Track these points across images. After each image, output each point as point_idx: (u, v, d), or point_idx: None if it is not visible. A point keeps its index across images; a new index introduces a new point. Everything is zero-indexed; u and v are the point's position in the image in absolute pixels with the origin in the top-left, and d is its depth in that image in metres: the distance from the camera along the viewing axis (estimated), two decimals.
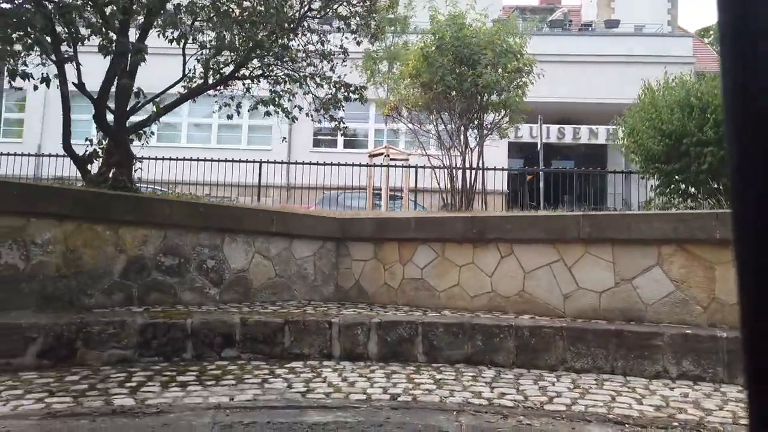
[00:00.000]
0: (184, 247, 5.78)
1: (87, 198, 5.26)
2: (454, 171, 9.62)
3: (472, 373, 4.38)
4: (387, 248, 6.54)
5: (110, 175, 6.45)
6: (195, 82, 7.98)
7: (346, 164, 13.65)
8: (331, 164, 13.47)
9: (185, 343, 4.69)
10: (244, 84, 8.13)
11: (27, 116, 23.96)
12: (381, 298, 6.49)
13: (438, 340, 4.77)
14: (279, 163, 14.99)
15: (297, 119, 7.62)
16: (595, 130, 24.61)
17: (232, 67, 7.44)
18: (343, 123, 7.66)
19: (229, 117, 8.68)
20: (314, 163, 13.45)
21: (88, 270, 5.20)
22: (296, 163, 14.33)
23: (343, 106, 7.36)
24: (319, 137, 25.48)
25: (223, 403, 3.44)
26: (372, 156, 17.30)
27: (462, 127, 9.30)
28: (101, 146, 6.73)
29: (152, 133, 7.06)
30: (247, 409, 3.34)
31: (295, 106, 7.75)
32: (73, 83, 5.97)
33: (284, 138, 11.24)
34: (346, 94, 7.31)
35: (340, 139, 25.62)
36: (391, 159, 16.26)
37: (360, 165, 13.18)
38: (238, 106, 8.61)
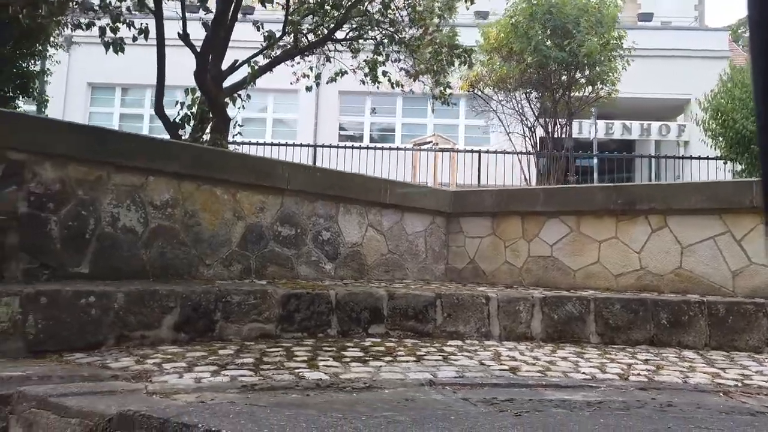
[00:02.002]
0: (300, 217, 5.23)
1: (207, 156, 4.71)
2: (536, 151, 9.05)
3: (671, 355, 3.80)
4: (508, 223, 5.97)
5: (205, 139, 5.93)
6: (281, 48, 7.46)
7: (427, 149, 12.94)
8: (405, 149, 12.83)
9: (330, 317, 4.14)
10: (329, 50, 7.60)
11: None
12: (501, 278, 5.92)
13: (614, 318, 4.20)
14: (362, 147, 14.42)
15: (402, 85, 7.06)
16: (646, 126, 23.90)
17: (325, 31, 6.88)
18: (450, 88, 7.10)
19: (308, 89, 8.15)
20: (399, 148, 12.89)
21: (207, 237, 4.66)
22: (361, 148, 13.79)
23: (448, 72, 6.80)
24: (343, 132, 24.89)
25: (434, 379, 2.88)
26: (417, 145, 16.74)
27: (551, 102, 8.72)
28: (192, 109, 6.20)
29: (248, 96, 6.52)
30: (467, 386, 2.77)
31: (384, 73, 7.18)
32: (178, 33, 5.43)
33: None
34: (449, 57, 6.74)
35: (366, 133, 25.06)
36: (440, 148, 15.71)
37: (438, 149, 12.45)
38: (317, 77, 8.08)
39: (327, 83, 8.32)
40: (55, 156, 4.00)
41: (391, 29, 6.64)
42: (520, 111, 9.28)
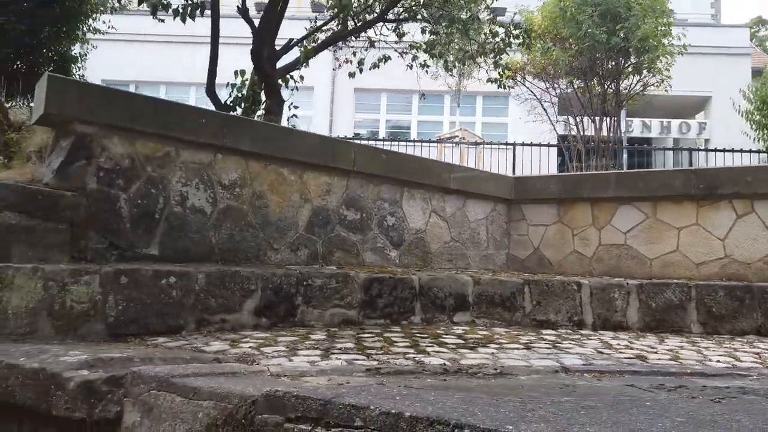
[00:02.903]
0: (365, 201, 4.97)
1: (275, 134, 4.46)
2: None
3: None
4: (576, 210, 5.69)
5: None
6: (324, 32, 7.21)
7: (473, 143, 12.63)
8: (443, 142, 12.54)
9: (413, 303, 3.88)
10: (375, 33, 7.34)
11: None
12: (569, 268, 5.64)
13: (718, 306, 3.91)
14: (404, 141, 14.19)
15: (455, 66, 6.78)
16: (666, 124, 23.50)
17: (376, 12, 6.63)
18: (509, 70, 6.82)
19: (351, 75, 7.90)
20: (440, 141, 12.64)
21: (275, 220, 4.40)
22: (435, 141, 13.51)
23: (507, 52, 6.52)
24: (358, 130, 24.59)
25: (566, 366, 2.61)
26: (443, 139, 16.53)
27: (600, 91, 8.41)
28: (242, 91, 5.95)
29: (301, 77, 6.27)
30: (605, 373, 2.50)
31: (441, 54, 6.89)
32: (237, 7, 5.18)
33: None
34: (507, 39, 6.46)
35: (382, 131, 24.78)
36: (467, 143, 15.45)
37: (477, 143, 12.12)
38: (360, 62, 7.82)
39: (369, 69, 8.06)
40: (124, 130, 3.75)
41: (444, 9, 6.37)
42: (567, 100, 8.98)
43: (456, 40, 6.59)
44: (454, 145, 16.10)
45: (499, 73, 6.70)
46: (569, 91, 8.73)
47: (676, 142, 24.67)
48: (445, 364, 2.53)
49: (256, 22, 5.79)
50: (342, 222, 4.80)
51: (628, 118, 24.08)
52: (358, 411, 1.58)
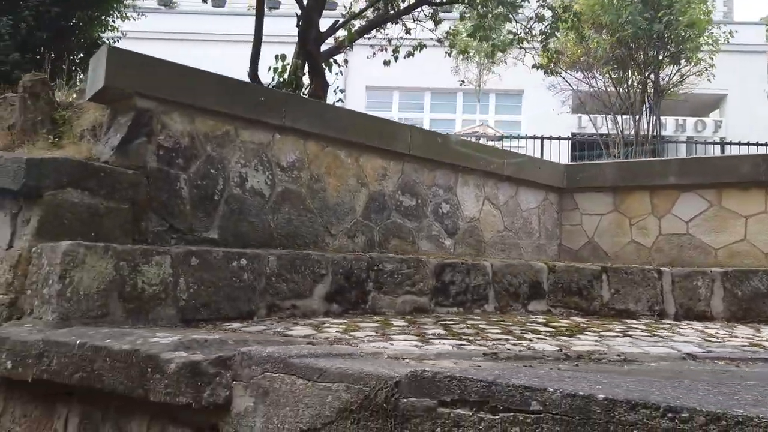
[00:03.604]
0: (420, 186, 4.76)
1: (332, 114, 4.26)
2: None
3: None
4: (633, 199, 5.46)
5: None
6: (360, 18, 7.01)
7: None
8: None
9: (486, 291, 3.68)
10: (413, 18, 7.13)
11: None
12: (626, 258, 5.41)
13: None
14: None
15: (502, 51, 6.56)
16: (681, 122, 23.17)
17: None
18: (559, 54, 6.61)
19: (386, 63, 7.69)
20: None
21: (332, 205, 4.21)
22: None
23: (556, 36, 6.30)
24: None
25: (694, 353, 2.40)
26: (465, 135, 16.33)
27: (640, 81, 8.17)
28: (284, 75, 5.75)
29: (345, 61, 6.06)
30: (738, 360, 2.29)
31: (487, 38, 6.67)
32: None
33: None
34: (556, 22, 6.23)
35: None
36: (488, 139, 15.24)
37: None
38: (395, 50, 7.61)
39: (405, 58, 7.86)
40: (184, 106, 3.57)
41: None
42: (604, 91, 8.74)
43: (503, 23, 6.36)
44: (475, 139, 15.87)
45: (548, 57, 6.49)
46: (601, 82, 8.49)
47: (690, 140, 24.32)
48: (560, 350, 2.32)
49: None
50: (398, 208, 4.60)
51: (636, 116, 23.82)
52: (533, 393, 1.38)
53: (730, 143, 13.70)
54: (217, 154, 3.69)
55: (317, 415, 1.65)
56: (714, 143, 15.50)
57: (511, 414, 1.39)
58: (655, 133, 8.72)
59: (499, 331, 2.85)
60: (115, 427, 2.09)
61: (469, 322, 3.13)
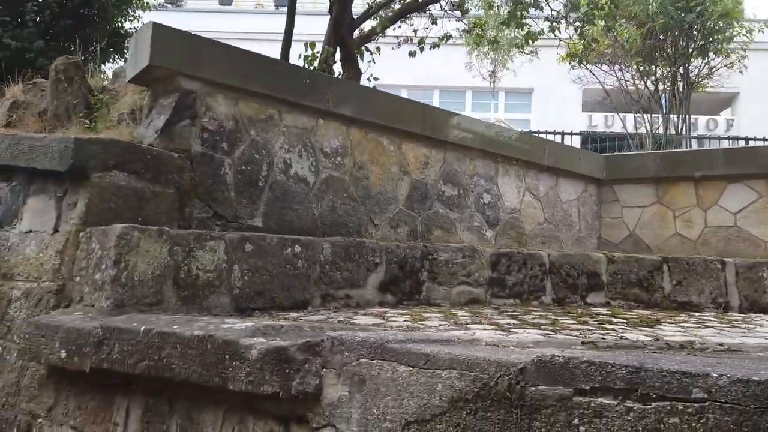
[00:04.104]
0: (461, 176, 4.60)
1: (376, 99, 4.10)
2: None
3: None
4: (677, 190, 5.29)
5: None
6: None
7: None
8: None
9: (543, 282, 3.51)
10: (440, 7, 6.97)
11: None
12: (670, 252, 5.22)
13: None
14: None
15: (536, 38, 6.36)
16: (693, 120, 22.92)
17: None
18: (596, 41, 6.43)
19: (412, 54, 7.53)
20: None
21: (375, 193, 4.05)
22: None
23: (595, 22, 6.12)
24: None
25: None
26: None
27: (669, 74, 7.98)
28: (314, 63, 5.60)
29: (378, 49, 5.91)
30: None
31: (522, 25, 6.47)
32: None
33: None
34: (591, 9, 6.06)
35: None
36: None
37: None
38: (421, 41, 7.45)
39: (430, 49, 7.70)
40: (228, 88, 3.42)
41: None
42: (631, 83, 8.55)
43: (538, 10, 6.18)
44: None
45: (584, 44, 6.32)
46: (628, 74, 8.29)
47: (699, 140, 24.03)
48: (657, 339, 2.16)
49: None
50: (440, 198, 4.44)
51: (654, 114, 23.62)
52: (694, 379, 1.22)
53: (755, 138, 13.48)
54: (261, 138, 3.54)
55: (425, 405, 1.50)
56: (747, 139, 15.29)
57: (668, 403, 1.23)
58: (683, 129, 8.51)
59: (573, 321, 2.69)
60: (185, 419, 1.94)
61: (535, 313, 2.97)
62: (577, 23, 6.09)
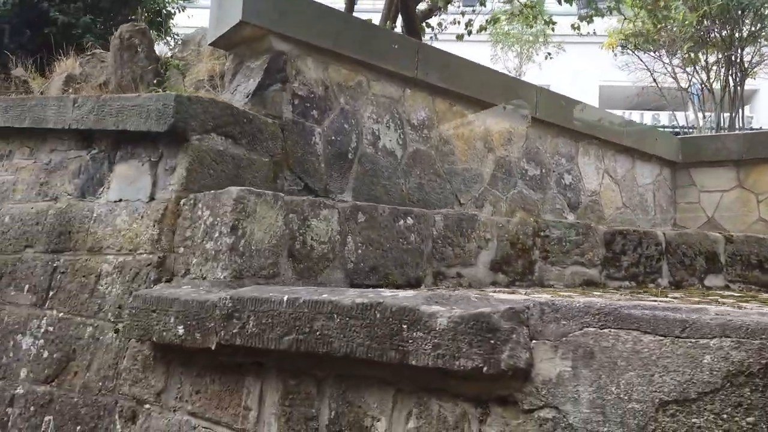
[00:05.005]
0: (543, 154, 4.33)
1: (459, 68, 3.82)
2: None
3: None
4: (761, 172, 4.99)
5: None
6: None
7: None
8: None
9: (660, 263, 3.22)
10: None
11: None
12: None
13: None
14: None
15: (603, 16, 6.07)
16: None
17: None
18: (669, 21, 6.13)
19: (459, 37, 7.25)
20: None
21: (461, 170, 3.79)
22: None
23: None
24: None
25: None
26: None
27: (724, 60, 7.66)
28: None
29: (440, 25, 5.64)
30: None
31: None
32: None
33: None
34: None
35: None
36: None
37: None
38: (468, 24, 7.17)
39: (477, 32, 7.43)
40: (318, 51, 3.16)
41: None
42: (681, 69, 8.24)
43: None
44: None
45: (654, 22, 6.05)
46: (677, 60, 7.98)
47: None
48: None
49: None
50: (523, 177, 4.17)
51: (669, 112, 23.19)
52: None
53: None
54: (350, 107, 3.28)
55: (687, 381, 1.22)
56: None
57: None
58: (738, 120, 8.19)
59: (731, 301, 2.41)
60: (339, 402, 1.67)
61: (671, 296, 2.70)
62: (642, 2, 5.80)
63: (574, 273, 3.06)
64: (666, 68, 8.57)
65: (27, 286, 2.78)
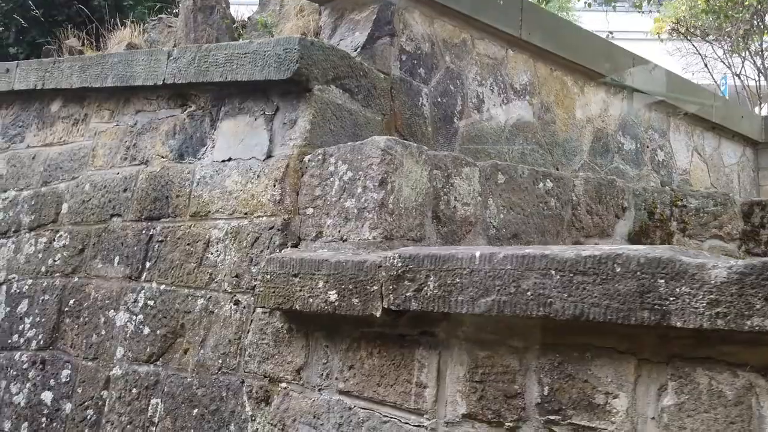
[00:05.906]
0: (637, 128, 4.03)
1: (560, 29, 3.52)
2: None
3: None
4: None
5: None
6: None
7: None
8: None
9: None
10: None
11: None
12: None
13: None
14: None
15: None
16: None
17: None
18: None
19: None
20: None
21: (561, 141, 3.49)
22: None
23: None
24: None
25: None
26: None
27: None
28: None
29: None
30: None
31: None
32: None
33: None
34: None
35: None
36: None
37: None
38: None
39: (599, 4, 7.12)
40: (424, 3, 2.89)
41: None
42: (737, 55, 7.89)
43: None
44: None
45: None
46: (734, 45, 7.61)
47: None
48: None
49: None
50: (619, 151, 3.88)
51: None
52: None
53: None
54: (455, 66, 3.00)
55: None
56: None
57: None
58: None
59: None
60: (556, 375, 1.39)
61: None
62: None
63: (712, 247, 2.77)
64: (716, 53, 8.25)
65: (117, 257, 2.52)
